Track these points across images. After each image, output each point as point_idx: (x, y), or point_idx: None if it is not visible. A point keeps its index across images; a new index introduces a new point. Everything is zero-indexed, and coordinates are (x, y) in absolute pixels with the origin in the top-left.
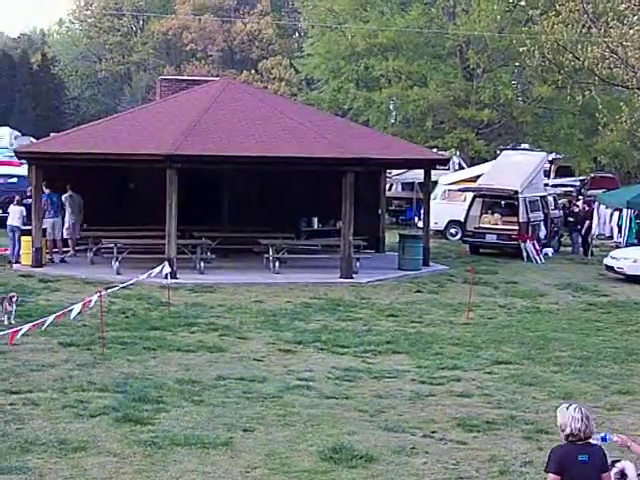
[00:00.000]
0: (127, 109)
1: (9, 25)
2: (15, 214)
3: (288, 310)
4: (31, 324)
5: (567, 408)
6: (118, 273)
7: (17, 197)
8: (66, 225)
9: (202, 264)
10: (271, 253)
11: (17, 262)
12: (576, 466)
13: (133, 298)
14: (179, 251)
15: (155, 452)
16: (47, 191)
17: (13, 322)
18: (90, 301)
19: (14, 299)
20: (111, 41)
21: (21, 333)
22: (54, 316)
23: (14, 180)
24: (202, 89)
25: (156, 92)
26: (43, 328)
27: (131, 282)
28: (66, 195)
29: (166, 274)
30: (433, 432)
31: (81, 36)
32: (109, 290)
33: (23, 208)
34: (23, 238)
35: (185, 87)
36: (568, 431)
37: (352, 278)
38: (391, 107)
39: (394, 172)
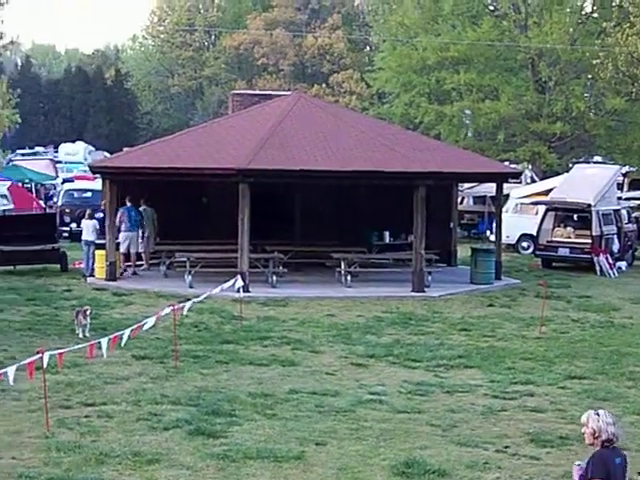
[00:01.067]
0: (199, 123)
1: (84, 42)
2: (89, 228)
3: (360, 324)
4: (110, 337)
5: (598, 414)
6: (191, 287)
7: (89, 211)
8: (141, 240)
9: (274, 278)
10: (343, 267)
11: (91, 275)
12: (615, 469)
13: (206, 312)
14: (251, 265)
15: (228, 465)
16: (128, 204)
17: (87, 335)
18: (164, 314)
19: (88, 312)
20: (183, 56)
21: (104, 349)
22: (130, 329)
23: (88, 194)
24: (274, 103)
25: (228, 106)
26: (122, 344)
27: (204, 296)
28: (141, 209)
29: (238, 288)
30: (506, 447)
31: (154, 51)
32: (186, 304)
33: (96, 222)
34: (97, 252)
35: (257, 101)
36: (605, 437)
37: (424, 292)
38: (467, 121)
39: (466, 185)
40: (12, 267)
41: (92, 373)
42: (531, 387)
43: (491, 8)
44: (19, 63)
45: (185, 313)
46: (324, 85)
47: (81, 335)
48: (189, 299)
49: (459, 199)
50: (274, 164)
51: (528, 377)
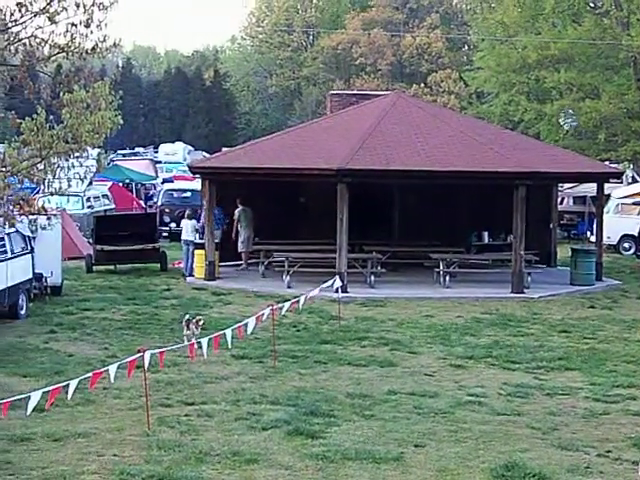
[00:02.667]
0: (297, 124)
1: (183, 43)
2: (188, 228)
3: (459, 325)
4: (211, 336)
5: None
6: (289, 287)
7: (187, 211)
8: (241, 238)
9: (372, 278)
10: (441, 267)
11: (191, 275)
12: None
13: (304, 312)
14: (349, 265)
15: (326, 466)
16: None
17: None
18: (263, 315)
19: (200, 322)
20: (282, 56)
21: (204, 349)
22: (231, 330)
23: (188, 194)
24: (372, 103)
25: (326, 106)
26: (229, 346)
27: (303, 296)
28: (239, 209)
29: (337, 288)
30: (608, 452)
31: (252, 52)
32: (285, 304)
33: (195, 222)
34: (196, 252)
35: (355, 101)
36: None
37: (523, 293)
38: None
39: (566, 185)
40: (113, 266)
41: (192, 372)
42: (633, 391)
43: (592, 5)
44: (120, 65)
45: (284, 313)
46: (422, 85)
47: (186, 342)
48: (287, 299)
49: (559, 199)
50: (372, 164)
51: (631, 380)
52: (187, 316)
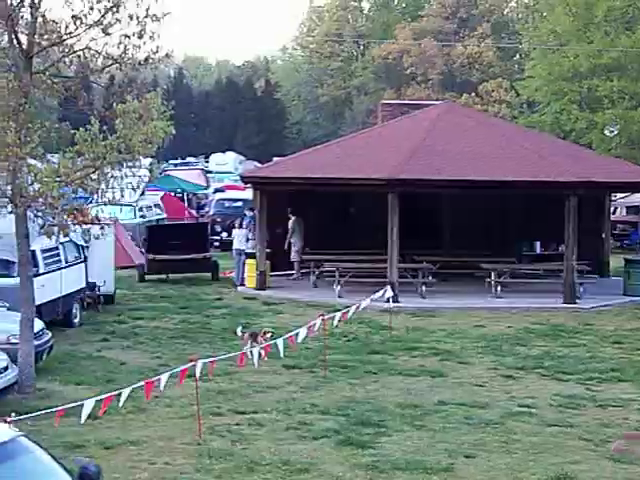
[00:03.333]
0: (348, 133)
1: (234, 53)
2: (240, 237)
3: (510, 335)
4: (262, 345)
5: None
6: (340, 296)
7: (238, 220)
8: (295, 248)
9: (423, 288)
10: (493, 277)
11: (242, 284)
12: None
13: (354, 322)
14: (400, 275)
15: (376, 476)
16: (249, 213)
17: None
18: (314, 325)
19: (267, 335)
20: (332, 66)
21: (255, 358)
22: (282, 339)
23: (239, 204)
24: (423, 113)
25: (377, 116)
26: (280, 355)
27: (354, 306)
28: (293, 219)
29: (388, 298)
30: None
31: (303, 62)
32: (336, 314)
33: (247, 231)
34: (247, 261)
35: (406, 111)
36: None
37: (575, 303)
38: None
39: (618, 195)
40: (165, 276)
41: (243, 381)
42: None
43: None
44: (172, 75)
45: (335, 323)
46: (473, 94)
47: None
48: (338, 309)
49: (612, 209)
50: (423, 174)
51: None
52: (240, 327)
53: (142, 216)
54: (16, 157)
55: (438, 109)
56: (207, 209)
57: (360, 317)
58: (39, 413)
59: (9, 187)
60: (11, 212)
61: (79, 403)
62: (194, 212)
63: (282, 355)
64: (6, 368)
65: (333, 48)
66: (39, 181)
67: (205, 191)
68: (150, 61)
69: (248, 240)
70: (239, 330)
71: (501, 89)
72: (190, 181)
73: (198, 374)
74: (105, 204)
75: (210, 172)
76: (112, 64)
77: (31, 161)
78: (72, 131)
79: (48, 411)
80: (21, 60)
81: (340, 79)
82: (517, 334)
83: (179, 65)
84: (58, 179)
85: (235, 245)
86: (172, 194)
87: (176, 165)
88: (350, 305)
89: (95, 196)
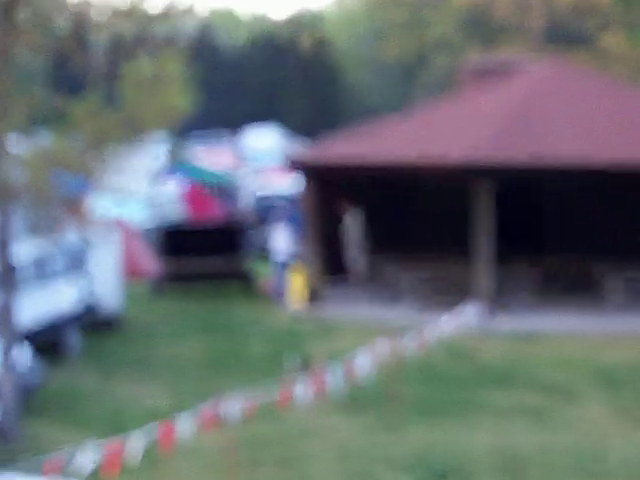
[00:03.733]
0: (421, 103)
1: (274, 8)
2: (284, 240)
3: (631, 365)
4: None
5: None
6: (413, 314)
7: (281, 216)
8: (356, 251)
9: (521, 303)
10: (613, 288)
11: (285, 299)
12: None
13: (433, 346)
14: (492, 286)
15: None
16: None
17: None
18: (379, 350)
19: (320, 365)
20: (400, 17)
21: (303, 394)
22: (338, 369)
23: (282, 195)
24: (519, 75)
25: (459, 80)
26: (335, 391)
27: (431, 326)
28: (354, 214)
29: (474, 315)
30: None
31: (362, 12)
32: (409, 337)
33: (292, 230)
34: (293, 269)
35: (497, 73)
36: None
37: None
38: None
39: None
40: (187, 289)
41: (288, 424)
42: None
43: None
44: (195, 33)
45: (406, 348)
46: (587, 50)
47: (310, 397)
48: (411, 330)
49: None
50: (519, 156)
51: None
52: (288, 357)
53: (157, 213)
54: None
55: (539, 70)
56: (240, 204)
57: (439, 340)
58: (25, 466)
59: None
60: None
61: (76, 455)
62: (224, 207)
63: (339, 390)
64: None
65: None
66: (25, 164)
67: (238, 179)
68: (167, 16)
69: (294, 242)
70: (288, 363)
71: (622, 44)
72: (218, 166)
73: (230, 416)
74: (113, 197)
75: (244, 155)
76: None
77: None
78: (66, 101)
79: (37, 463)
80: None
81: (410, 33)
82: None
83: (203, 21)
84: (48, 162)
85: (277, 248)
86: (196, 183)
87: (200, 145)
88: (426, 324)
89: (94, 184)
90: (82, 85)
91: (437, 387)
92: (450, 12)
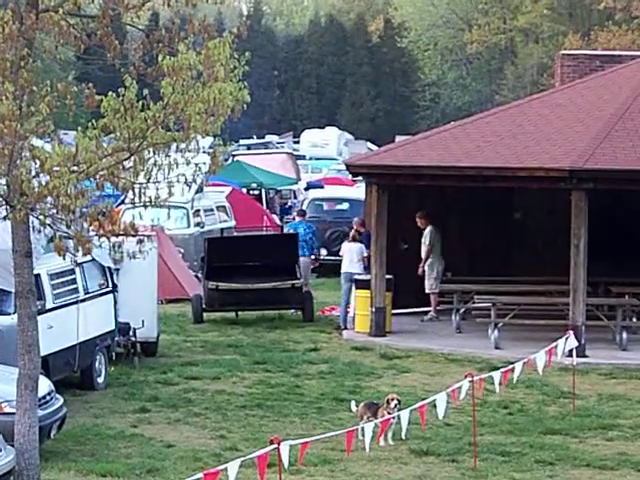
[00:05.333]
0: (509, 99)
1: None
2: (352, 256)
3: None
4: (378, 420)
5: None
6: (497, 347)
7: (354, 230)
8: (432, 274)
9: (624, 335)
10: None
11: (345, 327)
12: None
13: (520, 385)
14: (589, 315)
15: None
16: (298, 218)
17: (391, 442)
18: (458, 390)
19: (392, 404)
20: (482, 0)
21: (367, 439)
22: (409, 410)
23: (344, 206)
24: (624, 69)
25: (554, 74)
26: (405, 436)
27: (519, 362)
28: (430, 229)
29: (570, 350)
30: None
31: None
32: (493, 375)
33: (363, 246)
34: (357, 292)
35: (598, 66)
36: None
37: None
38: None
39: None
40: (233, 313)
41: (350, 474)
42: None
43: None
44: (245, 13)
45: (490, 387)
46: None
47: (382, 443)
48: (495, 366)
49: None
50: (625, 162)
51: None
52: (355, 402)
53: (199, 224)
54: (14, 136)
55: None
56: (295, 214)
57: (528, 378)
58: None
59: (3, 181)
60: (6, 217)
61: None
62: (277, 218)
63: (404, 435)
64: None
65: None
66: (48, 171)
67: (294, 186)
68: None
69: (364, 260)
70: (353, 405)
71: None
72: (271, 171)
73: (285, 463)
74: (145, 206)
75: (301, 158)
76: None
77: (36, 142)
78: (97, 97)
79: None
80: None
81: (498, 18)
82: None
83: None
84: (75, 168)
85: (345, 267)
86: (244, 190)
87: (250, 147)
88: (513, 360)
89: (130, 194)
90: (115, 79)
91: (526, 433)
92: None
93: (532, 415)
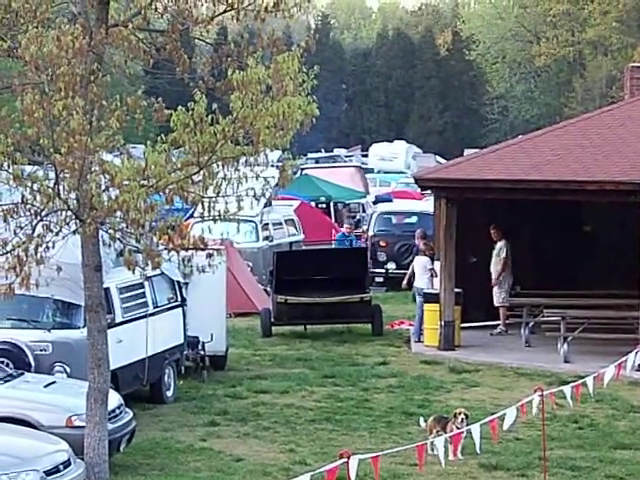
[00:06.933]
0: (579, 112)
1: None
2: (422, 270)
3: None
4: (450, 434)
5: None
6: (566, 361)
7: (423, 244)
8: (503, 286)
9: None
10: None
11: (419, 341)
12: None
13: (590, 400)
14: None
15: None
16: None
17: (461, 457)
18: (528, 404)
19: (463, 418)
20: (555, 11)
21: (440, 454)
22: (479, 425)
23: (413, 220)
24: None
25: (623, 86)
26: (476, 450)
27: (589, 377)
28: (503, 243)
29: (639, 364)
30: None
31: (510, 6)
32: (564, 389)
33: (427, 260)
34: (426, 306)
35: None
36: None
37: None
38: None
39: None
40: (302, 327)
41: None
42: None
43: None
44: (313, 27)
45: (560, 402)
46: None
47: (451, 457)
48: (565, 381)
49: None
50: None
51: None
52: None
53: (268, 237)
54: (84, 150)
55: None
56: (365, 227)
57: (599, 392)
58: None
59: (73, 195)
60: (76, 232)
61: None
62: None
63: (479, 450)
64: (67, 464)
65: None
66: (117, 185)
67: (362, 200)
68: (281, 6)
69: (432, 274)
70: (422, 421)
71: None
72: (339, 185)
73: (353, 476)
74: (214, 220)
75: (370, 171)
76: (225, 11)
77: (105, 156)
78: (166, 111)
79: None
80: (92, 6)
81: (567, 30)
82: None
83: (323, 12)
84: (145, 182)
85: (417, 282)
86: (312, 204)
87: (318, 161)
88: (583, 375)
89: (199, 208)
90: (183, 94)
91: (596, 448)
92: (611, 5)
93: (602, 429)
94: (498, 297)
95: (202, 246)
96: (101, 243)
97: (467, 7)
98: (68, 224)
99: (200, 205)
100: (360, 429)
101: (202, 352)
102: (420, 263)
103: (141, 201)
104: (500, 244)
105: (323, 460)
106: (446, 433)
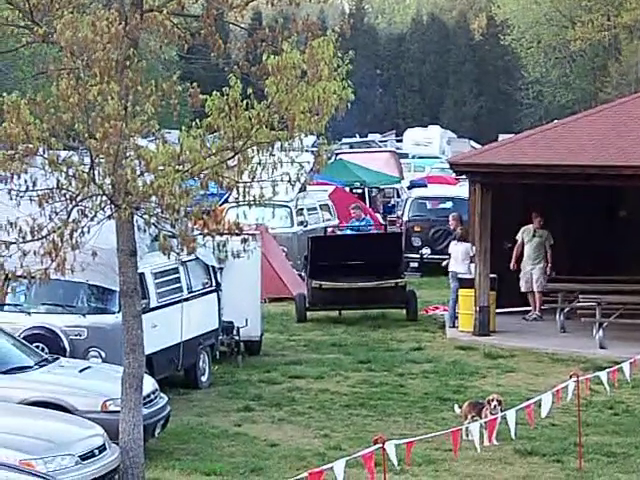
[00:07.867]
0: (614, 97)
1: None
2: (459, 255)
3: None
4: (485, 420)
5: None
6: (602, 346)
7: (459, 229)
8: (539, 272)
9: None
10: None
11: (453, 326)
12: None
13: (626, 386)
14: None
15: None
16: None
17: (496, 442)
18: (564, 390)
19: (495, 404)
20: None
21: (476, 439)
22: (514, 410)
23: (448, 205)
24: None
25: None
26: (511, 436)
27: (626, 362)
28: (546, 231)
29: None
30: None
31: None
32: (600, 375)
33: (468, 246)
34: (462, 292)
35: None
36: None
37: None
38: None
39: None
40: (337, 312)
41: (454, 474)
42: None
43: None
44: (347, 11)
45: (595, 387)
46: None
47: (486, 442)
48: (600, 366)
49: None
50: None
51: None
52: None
53: (302, 222)
54: (119, 135)
55: None
56: (400, 212)
57: (635, 379)
58: None
59: (108, 180)
60: (111, 217)
61: None
62: (380, 217)
63: (514, 435)
64: (102, 449)
65: None
66: (153, 170)
67: (397, 185)
68: None
69: (472, 261)
70: (457, 407)
71: None
72: (374, 170)
73: (394, 462)
74: (249, 205)
75: (404, 156)
76: None
77: (140, 142)
78: (201, 96)
79: None
80: None
81: (602, 14)
82: None
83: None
84: (180, 167)
85: (452, 267)
86: (347, 189)
87: (353, 146)
88: (619, 360)
89: (234, 193)
90: (218, 78)
91: (632, 434)
92: None
93: (638, 415)
94: (540, 282)
95: (237, 231)
96: (136, 228)
97: None
98: (103, 209)
99: (235, 190)
100: (395, 414)
101: (237, 337)
102: (461, 249)
103: (176, 186)
104: (545, 231)
105: (358, 445)
106: (481, 419)
